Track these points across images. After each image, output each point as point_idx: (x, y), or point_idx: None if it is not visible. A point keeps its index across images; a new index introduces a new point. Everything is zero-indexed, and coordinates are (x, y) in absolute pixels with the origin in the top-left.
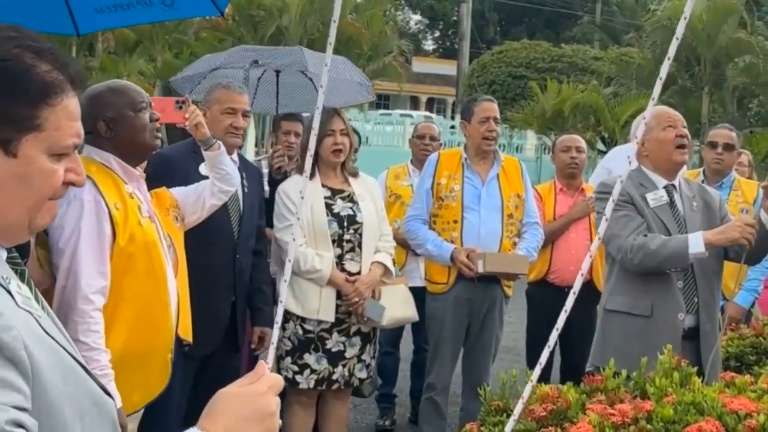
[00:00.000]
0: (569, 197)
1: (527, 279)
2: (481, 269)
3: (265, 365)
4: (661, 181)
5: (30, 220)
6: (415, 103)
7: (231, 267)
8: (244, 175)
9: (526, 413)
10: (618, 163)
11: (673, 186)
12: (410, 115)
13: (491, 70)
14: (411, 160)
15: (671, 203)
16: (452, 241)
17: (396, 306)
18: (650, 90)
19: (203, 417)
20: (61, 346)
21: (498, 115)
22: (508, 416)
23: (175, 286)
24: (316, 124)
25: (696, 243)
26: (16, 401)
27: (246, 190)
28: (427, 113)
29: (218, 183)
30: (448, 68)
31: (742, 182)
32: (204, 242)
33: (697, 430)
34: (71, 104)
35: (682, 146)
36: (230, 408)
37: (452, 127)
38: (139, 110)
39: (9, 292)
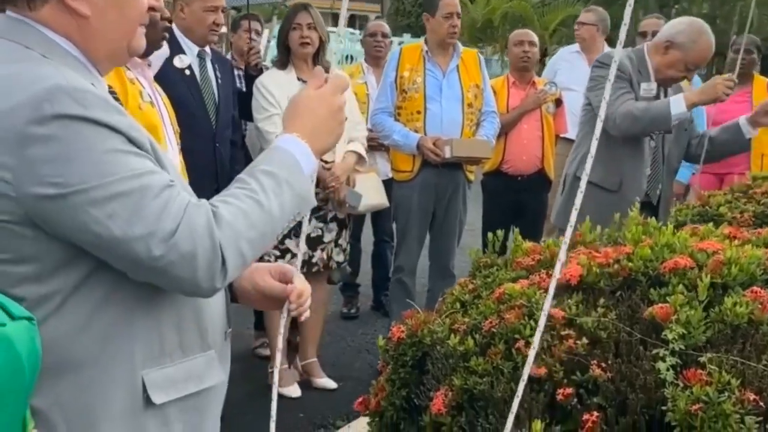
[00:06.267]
0: (521, 90)
1: (482, 170)
2: (448, 155)
3: (321, 71)
4: (653, 76)
5: (128, 43)
6: (336, 20)
7: (212, 155)
8: (216, 66)
9: (513, 265)
10: (563, 63)
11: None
12: (333, 31)
13: None
14: (364, 59)
15: (656, 97)
16: (416, 131)
17: (369, 193)
18: None
19: (288, 120)
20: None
21: (460, 11)
22: (498, 269)
23: (179, 170)
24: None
25: (678, 104)
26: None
27: (220, 81)
28: (350, 29)
29: None
30: None
31: None
32: (184, 132)
33: (674, 264)
34: None
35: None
36: (309, 109)
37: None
38: (151, 6)
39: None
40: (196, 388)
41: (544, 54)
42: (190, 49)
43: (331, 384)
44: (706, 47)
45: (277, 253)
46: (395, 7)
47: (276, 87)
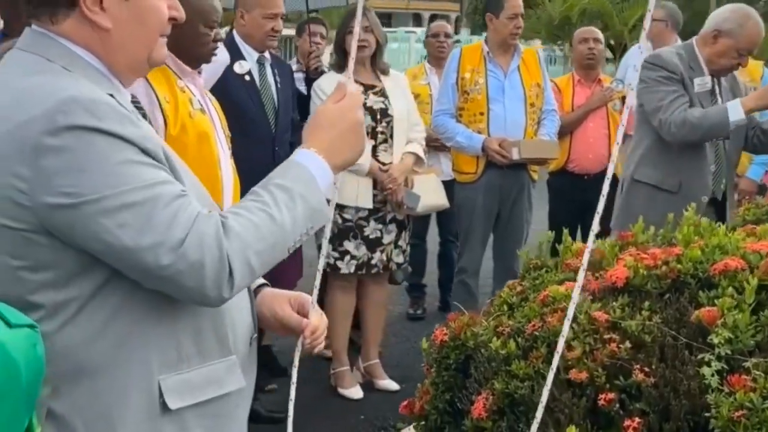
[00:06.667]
0: (587, 88)
1: (548, 169)
2: (516, 156)
3: (345, 84)
4: (706, 70)
5: (148, 55)
6: (417, 20)
7: (271, 159)
8: (275, 71)
9: (563, 267)
10: (635, 59)
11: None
12: (414, 32)
13: None
14: (427, 60)
15: (712, 91)
16: (479, 132)
17: (428, 194)
18: None
19: (307, 133)
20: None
21: (523, 12)
22: (547, 272)
23: (231, 175)
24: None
25: (736, 110)
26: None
27: (279, 85)
28: None
29: None
30: None
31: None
32: (243, 137)
33: (724, 266)
34: None
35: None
36: (329, 123)
37: (456, 41)
38: (208, 25)
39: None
40: (216, 393)
41: (624, 50)
42: (250, 54)
43: (393, 386)
44: (756, 30)
45: (336, 254)
46: (474, 5)
47: (333, 88)
